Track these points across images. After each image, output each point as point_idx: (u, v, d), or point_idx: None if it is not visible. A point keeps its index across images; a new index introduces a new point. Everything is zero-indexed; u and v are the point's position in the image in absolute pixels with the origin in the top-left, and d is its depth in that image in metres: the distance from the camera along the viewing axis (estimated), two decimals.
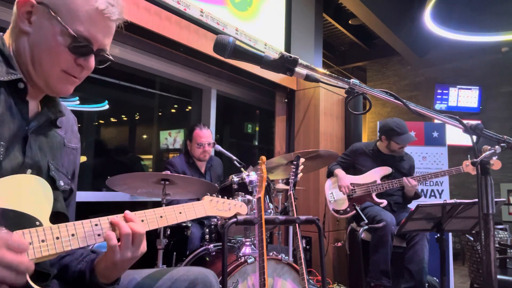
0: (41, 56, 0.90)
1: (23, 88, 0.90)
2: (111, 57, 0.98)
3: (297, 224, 1.78)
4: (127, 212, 0.94)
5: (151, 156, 4.31)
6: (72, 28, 0.89)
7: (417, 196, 3.18)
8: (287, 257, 2.08)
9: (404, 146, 3.20)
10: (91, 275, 0.96)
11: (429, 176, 3.03)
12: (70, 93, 0.98)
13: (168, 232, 2.21)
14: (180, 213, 1.09)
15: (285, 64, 0.98)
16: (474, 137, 1.02)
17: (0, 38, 0.94)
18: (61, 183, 1.00)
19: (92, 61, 0.94)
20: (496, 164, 2.59)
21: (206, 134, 2.98)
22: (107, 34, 0.95)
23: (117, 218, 0.92)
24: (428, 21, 5.64)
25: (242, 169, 2.57)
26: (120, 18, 0.96)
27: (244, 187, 2.16)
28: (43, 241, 0.83)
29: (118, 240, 0.90)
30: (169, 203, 2.18)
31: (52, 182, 0.97)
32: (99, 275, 0.95)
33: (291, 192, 1.97)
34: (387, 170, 3.18)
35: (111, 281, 0.96)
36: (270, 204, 2.21)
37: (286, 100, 4.54)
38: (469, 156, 2.92)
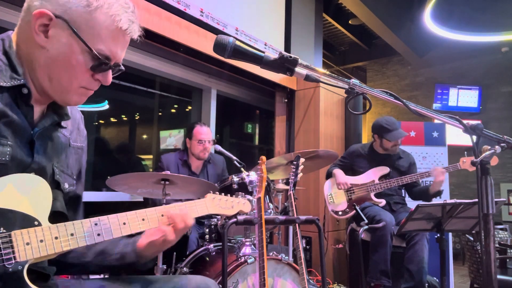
0: (59, 73, 0.89)
1: (27, 93, 0.89)
2: (123, 68, 0.98)
3: (297, 224, 1.78)
4: (175, 211, 1.06)
5: (151, 156, 4.31)
6: (94, 47, 0.87)
7: (439, 192, 3.05)
8: (287, 257, 2.07)
9: (397, 143, 3.17)
10: (136, 256, 1.06)
11: (426, 175, 3.02)
12: (82, 103, 0.98)
13: None
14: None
15: (285, 64, 0.98)
16: (474, 137, 1.02)
17: (8, 40, 0.91)
18: (66, 185, 1.00)
19: (110, 76, 0.95)
20: (492, 159, 2.58)
21: (207, 132, 2.98)
22: (124, 49, 0.96)
23: (173, 213, 1.04)
24: (428, 21, 5.64)
25: (242, 169, 2.57)
26: (139, 34, 0.96)
27: (244, 187, 2.16)
28: (41, 241, 0.83)
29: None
30: (169, 203, 2.18)
31: (57, 186, 0.97)
32: (144, 254, 1.07)
33: (291, 192, 1.97)
34: (384, 169, 3.18)
35: (149, 260, 1.10)
36: (270, 204, 2.21)
37: (286, 100, 4.53)
38: (465, 153, 2.91)
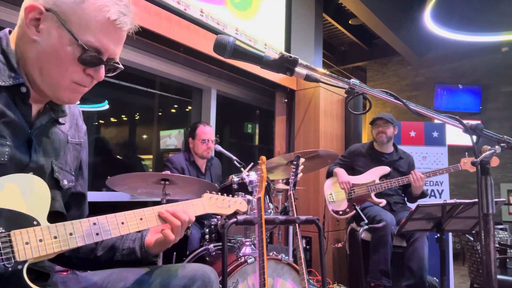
0: (50, 67, 0.88)
1: (26, 92, 0.88)
2: (121, 66, 0.96)
3: (297, 224, 1.78)
4: (167, 209, 1.05)
5: (151, 156, 4.31)
6: (82, 38, 0.86)
7: (423, 195, 3.11)
8: (287, 257, 2.07)
9: (381, 131, 3.23)
10: (144, 252, 1.09)
11: (427, 175, 3.03)
12: (77, 102, 0.96)
13: None
14: None
15: (285, 64, 0.98)
16: (474, 137, 1.02)
17: (5, 38, 0.91)
18: (65, 182, 1.00)
19: (102, 71, 0.92)
20: (494, 161, 2.58)
21: (210, 131, 3.00)
22: (118, 44, 0.93)
23: (166, 214, 1.04)
24: (428, 21, 5.64)
25: (242, 169, 2.57)
26: (131, 27, 0.94)
27: (244, 187, 2.16)
28: (40, 240, 0.82)
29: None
30: (169, 203, 2.18)
31: (56, 183, 0.97)
32: (150, 251, 1.09)
33: (291, 192, 1.97)
34: (385, 169, 3.18)
35: (156, 255, 1.12)
36: (270, 204, 2.21)
37: (286, 100, 4.53)
38: (467, 154, 2.92)
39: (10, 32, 0.93)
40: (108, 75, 0.96)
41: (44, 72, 0.88)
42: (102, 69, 0.93)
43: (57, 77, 0.89)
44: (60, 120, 1.00)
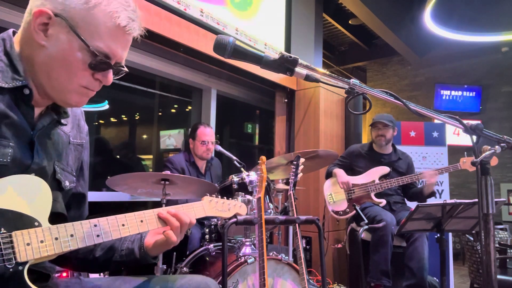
0: (58, 72, 0.88)
1: (28, 94, 0.89)
2: (126, 69, 0.96)
3: (297, 224, 1.78)
4: (168, 210, 1.04)
5: (151, 156, 4.31)
6: (92, 44, 0.86)
7: (432, 194, 3.09)
8: (287, 257, 2.07)
9: (381, 134, 3.23)
10: (143, 252, 1.08)
11: (417, 177, 3.03)
12: (84, 105, 0.96)
13: None
14: None
15: (285, 64, 0.98)
16: (474, 137, 1.02)
17: (9, 40, 0.90)
18: (67, 183, 1.00)
19: (110, 76, 0.93)
20: (492, 160, 2.59)
21: (210, 133, 3.01)
22: (126, 48, 0.94)
23: (165, 214, 1.02)
24: (428, 21, 5.64)
25: (242, 169, 2.57)
26: (139, 32, 0.95)
27: (244, 187, 2.16)
28: (42, 241, 0.82)
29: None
30: (169, 202, 2.18)
31: (58, 184, 0.97)
32: (149, 253, 1.08)
33: (291, 192, 1.97)
34: (384, 169, 3.18)
35: (155, 256, 1.11)
36: (270, 204, 2.21)
37: (286, 100, 4.53)
38: (465, 153, 2.92)
39: (14, 33, 0.93)
40: (114, 77, 0.97)
41: (52, 76, 0.88)
42: (110, 73, 0.93)
43: (65, 81, 0.89)
44: (62, 121, 1.00)
